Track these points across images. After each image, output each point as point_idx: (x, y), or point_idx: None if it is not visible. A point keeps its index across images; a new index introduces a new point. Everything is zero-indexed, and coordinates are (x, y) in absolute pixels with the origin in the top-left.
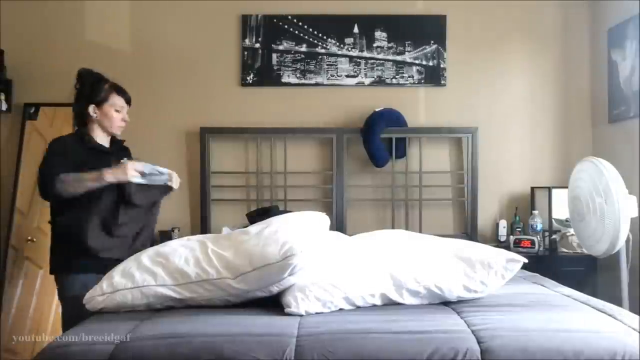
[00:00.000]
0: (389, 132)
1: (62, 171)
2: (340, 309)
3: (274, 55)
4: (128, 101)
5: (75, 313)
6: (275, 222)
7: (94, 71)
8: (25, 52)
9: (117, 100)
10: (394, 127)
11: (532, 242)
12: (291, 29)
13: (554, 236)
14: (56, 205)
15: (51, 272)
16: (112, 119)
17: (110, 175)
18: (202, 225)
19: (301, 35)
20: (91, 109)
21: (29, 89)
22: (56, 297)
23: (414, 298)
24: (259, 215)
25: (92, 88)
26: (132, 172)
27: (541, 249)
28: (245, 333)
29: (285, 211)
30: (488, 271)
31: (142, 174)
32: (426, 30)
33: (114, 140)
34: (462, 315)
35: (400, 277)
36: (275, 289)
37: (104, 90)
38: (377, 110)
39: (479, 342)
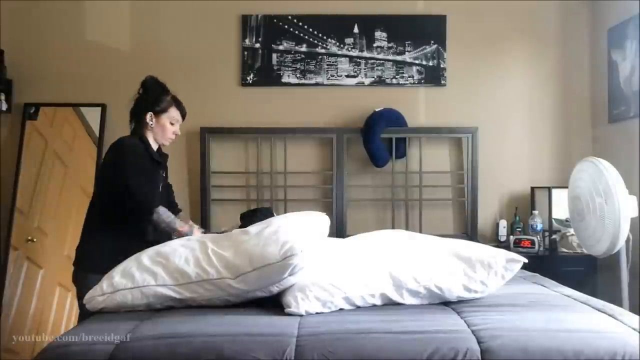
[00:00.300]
0: (389, 132)
1: (156, 195)
2: (340, 309)
3: (274, 55)
4: (184, 116)
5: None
6: (275, 222)
7: (159, 81)
8: (25, 52)
9: (175, 113)
10: (394, 127)
11: (532, 242)
12: (291, 29)
13: (554, 236)
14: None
15: (79, 273)
16: (166, 130)
17: (195, 235)
18: (202, 225)
19: (301, 35)
20: (149, 116)
21: (29, 89)
22: (57, 297)
23: (414, 298)
24: (248, 216)
25: (155, 97)
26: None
27: (541, 249)
28: (245, 333)
29: (270, 211)
30: (488, 271)
31: None
32: (426, 30)
33: (159, 150)
34: (462, 315)
35: (400, 277)
36: (275, 289)
37: (166, 101)
38: (377, 110)
39: (479, 342)
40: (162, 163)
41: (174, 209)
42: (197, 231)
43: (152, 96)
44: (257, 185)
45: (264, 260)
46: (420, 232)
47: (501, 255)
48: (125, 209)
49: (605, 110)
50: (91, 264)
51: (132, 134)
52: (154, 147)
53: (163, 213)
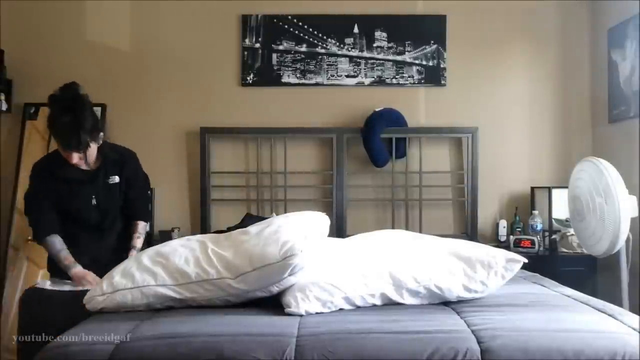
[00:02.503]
0: (389, 132)
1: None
2: (340, 309)
3: (274, 55)
4: (69, 149)
5: None
6: (275, 221)
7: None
8: (25, 52)
9: (59, 147)
10: (394, 127)
11: (532, 242)
12: (291, 29)
13: (554, 236)
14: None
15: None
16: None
17: (75, 276)
18: (202, 225)
19: (301, 35)
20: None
21: (29, 89)
22: None
23: (414, 298)
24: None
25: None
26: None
27: (541, 249)
28: (245, 333)
29: (259, 217)
30: (488, 271)
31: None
32: (426, 30)
33: (103, 157)
34: (462, 315)
35: (400, 277)
36: (275, 289)
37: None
38: (377, 110)
39: (479, 342)
40: (80, 182)
41: (133, 224)
42: (74, 269)
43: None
44: (257, 185)
45: (264, 260)
46: (420, 232)
47: (501, 255)
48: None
49: (605, 110)
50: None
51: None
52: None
53: (51, 244)
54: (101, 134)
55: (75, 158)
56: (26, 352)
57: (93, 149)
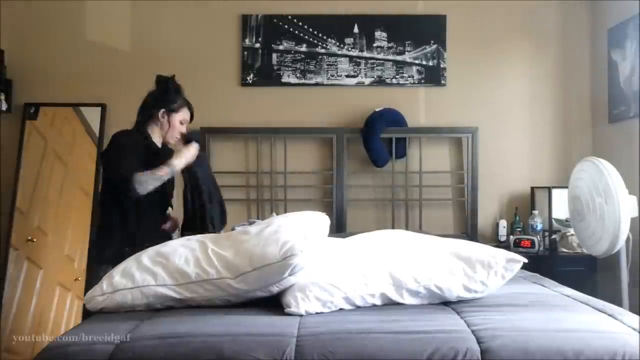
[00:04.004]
0: (389, 132)
1: (136, 170)
2: (340, 309)
3: (274, 55)
4: (192, 117)
5: None
6: (275, 221)
7: (175, 80)
8: (25, 52)
9: (186, 114)
10: (394, 127)
11: (532, 242)
12: (291, 29)
13: (554, 236)
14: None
15: (97, 264)
16: (175, 128)
17: (178, 161)
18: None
19: (301, 35)
20: (161, 113)
21: (29, 89)
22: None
23: (414, 298)
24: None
25: (171, 95)
26: (193, 149)
27: (541, 249)
28: (245, 333)
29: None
30: (488, 271)
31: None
32: (426, 30)
33: (164, 146)
34: (462, 315)
35: (400, 277)
36: (275, 289)
37: (180, 101)
38: (377, 110)
39: (479, 342)
40: (164, 156)
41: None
42: (174, 160)
43: (169, 95)
44: (257, 185)
45: (264, 260)
46: (420, 232)
47: (501, 255)
48: (116, 192)
49: (605, 110)
50: (102, 255)
51: (133, 128)
52: (158, 142)
53: (141, 175)
54: None
55: (184, 127)
56: None
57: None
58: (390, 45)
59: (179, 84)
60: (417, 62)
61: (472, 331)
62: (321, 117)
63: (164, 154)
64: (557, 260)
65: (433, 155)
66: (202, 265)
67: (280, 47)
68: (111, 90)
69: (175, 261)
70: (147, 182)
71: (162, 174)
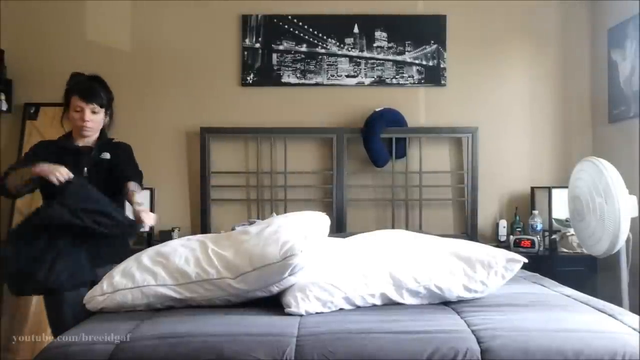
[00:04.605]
0: (389, 132)
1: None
2: (341, 309)
3: (274, 55)
4: (86, 95)
5: None
6: (275, 221)
7: (73, 74)
8: (25, 52)
9: (76, 101)
10: (394, 127)
11: (532, 242)
12: (291, 29)
13: (554, 236)
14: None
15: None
16: (75, 120)
17: (39, 169)
18: (202, 225)
19: (301, 35)
20: (64, 114)
21: (29, 89)
22: None
23: (414, 298)
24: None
25: (66, 94)
26: (59, 174)
27: (541, 249)
28: (245, 333)
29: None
30: (488, 271)
31: (69, 182)
32: (426, 30)
33: (101, 139)
34: (462, 315)
35: (400, 277)
36: (275, 289)
37: (67, 94)
38: (377, 110)
39: (479, 342)
40: (96, 151)
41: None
42: (37, 165)
43: (65, 94)
44: (257, 185)
45: (264, 260)
46: (420, 232)
47: (501, 255)
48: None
49: (605, 110)
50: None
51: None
52: (89, 140)
53: (10, 172)
54: (108, 119)
55: (88, 114)
56: None
57: (100, 119)
58: (390, 45)
59: (75, 72)
60: (417, 62)
61: (472, 331)
62: (321, 117)
63: (76, 152)
64: (557, 260)
65: (433, 155)
66: (202, 265)
67: (281, 47)
68: (111, 90)
69: (176, 261)
70: (12, 179)
71: (25, 170)
